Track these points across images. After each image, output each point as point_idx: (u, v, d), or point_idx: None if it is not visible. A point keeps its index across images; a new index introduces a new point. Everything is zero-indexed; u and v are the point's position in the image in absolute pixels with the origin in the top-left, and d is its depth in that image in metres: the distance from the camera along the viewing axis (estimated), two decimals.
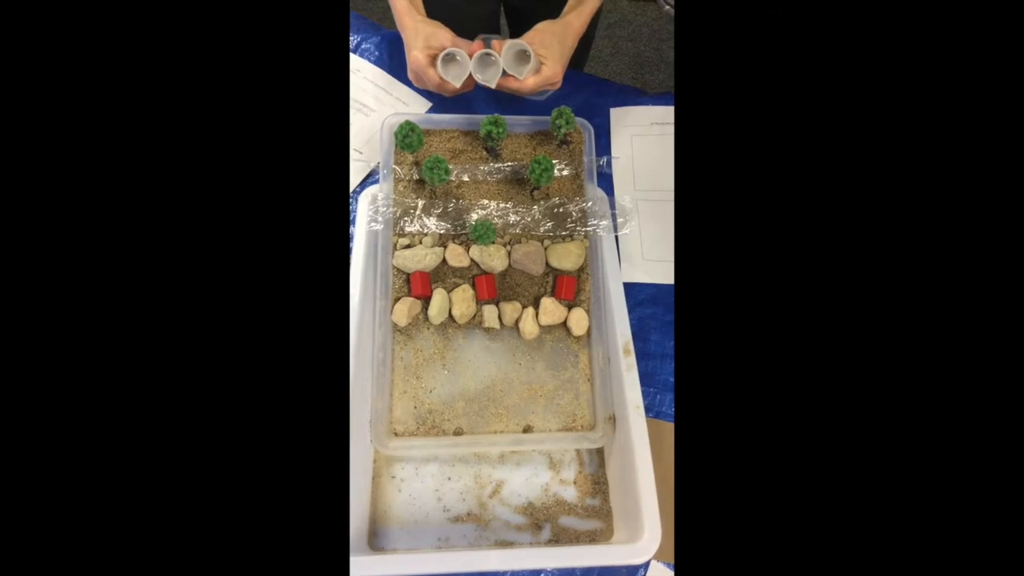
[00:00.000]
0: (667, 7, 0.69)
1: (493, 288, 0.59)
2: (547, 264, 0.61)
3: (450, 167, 0.58)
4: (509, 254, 0.60)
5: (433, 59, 0.62)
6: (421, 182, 0.62)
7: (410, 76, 0.65)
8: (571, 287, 0.60)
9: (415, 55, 0.62)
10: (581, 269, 0.61)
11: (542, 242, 0.61)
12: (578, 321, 0.59)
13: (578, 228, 0.61)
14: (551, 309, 0.59)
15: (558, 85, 0.64)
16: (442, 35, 0.62)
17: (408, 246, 0.59)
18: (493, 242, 0.58)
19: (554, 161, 0.60)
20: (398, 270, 0.59)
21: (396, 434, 0.55)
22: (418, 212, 0.60)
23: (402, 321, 0.57)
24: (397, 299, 0.58)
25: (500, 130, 0.59)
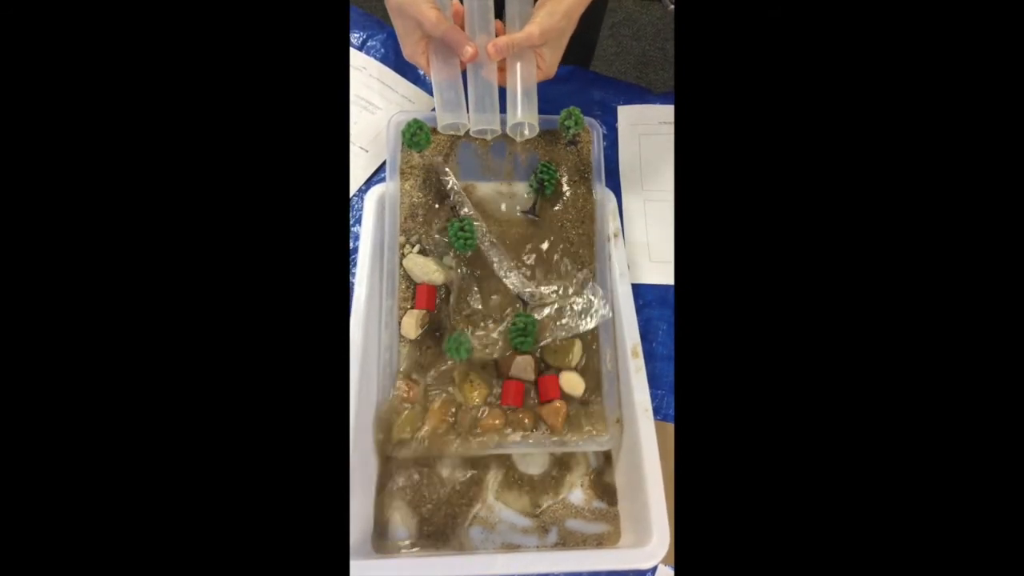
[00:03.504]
0: (671, 6, 0.68)
1: (520, 395, 0.56)
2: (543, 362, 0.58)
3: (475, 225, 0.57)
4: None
5: (426, 49, 0.58)
6: (427, 180, 0.61)
7: (404, 56, 0.60)
8: (519, 393, 0.55)
9: (411, 46, 0.58)
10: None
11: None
12: (574, 386, 0.56)
13: (578, 322, 0.57)
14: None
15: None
16: (431, 18, 0.54)
17: (421, 251, 0.59)
18: (468, 356, 0.54)
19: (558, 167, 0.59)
20: (406, 274, 0.58)
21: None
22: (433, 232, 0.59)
23: (412, 334, 0.56)
24: (403, 312, 0.57)
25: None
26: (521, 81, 0.58)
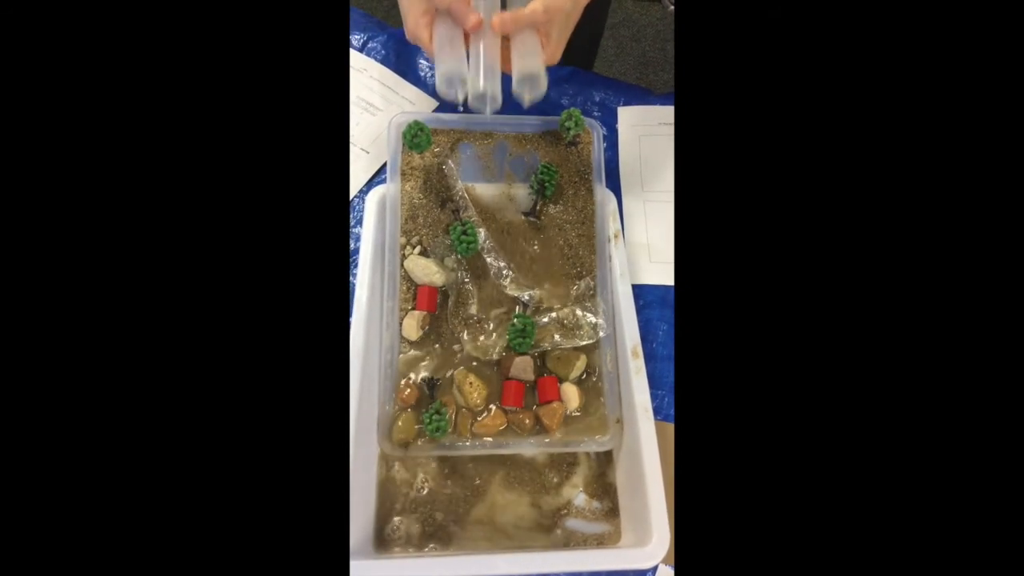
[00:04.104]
0: (671, 7, 0.68)
1: (520, 396, 0.56)
2: (543, 367, 0.58)
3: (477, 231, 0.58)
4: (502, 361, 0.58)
5: (431, 22, 0.57)
6: (428, 182, 0.61)
7: (407, 35, 0.59)
8: (519, 394, 0.55)
9: (414, 19, 0.56)
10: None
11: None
12: (569, 398, 0.56)
13: (579, 335, 0.58)
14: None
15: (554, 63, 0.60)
16: None
17: (422, 253, 0.59)
18: (445, 433, 0.53)
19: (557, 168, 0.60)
20: (407, 275, 0.58)
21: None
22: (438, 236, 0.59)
23: (413, 335, 0.56)
24: (404, 313, 0.57)
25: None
26: (526, 57, 0.56)
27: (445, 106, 0.77)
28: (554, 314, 0.58)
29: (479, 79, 0.57)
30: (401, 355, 0.56)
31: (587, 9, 0.58)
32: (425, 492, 0.56)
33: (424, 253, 0.59)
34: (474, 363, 0.57)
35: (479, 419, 0.55)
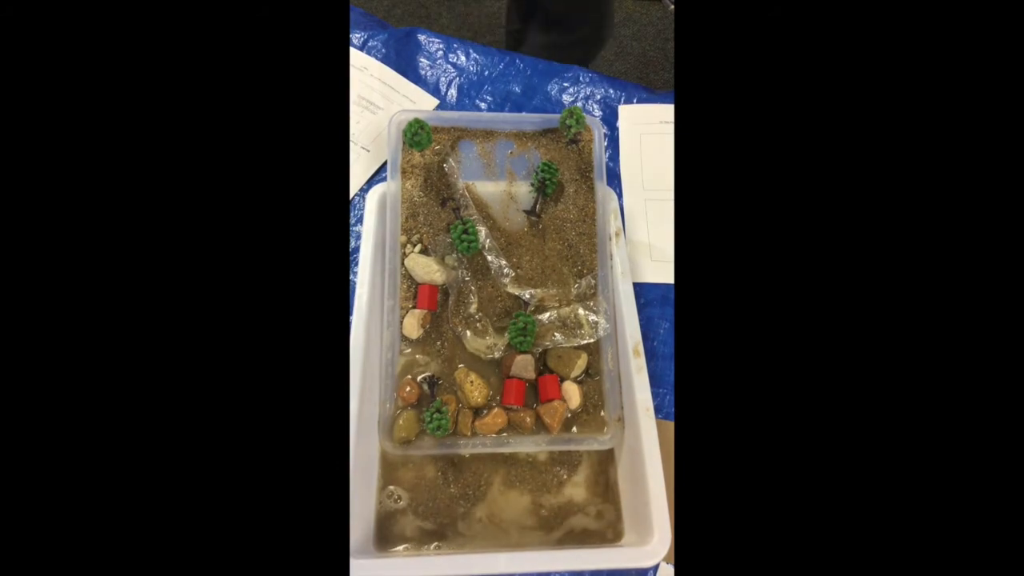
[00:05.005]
0: (671, 6, 0.68)
1: (521, 394, 0.56)
2: (544, 365, 0.58)
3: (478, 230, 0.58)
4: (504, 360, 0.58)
5: None
6: (429, 180, 0.61)
7: None
8: (520, 393, 0.55)
9: None
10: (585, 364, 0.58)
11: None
12: (570, 396, 0.56)
13: (579, 333, 0.58)
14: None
15: None
16: None
17: (423, 251, 0.59)
18: (446, 431, 0.53)
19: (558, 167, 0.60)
20: (407, 273, 0.58)
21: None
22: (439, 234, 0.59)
23: (413, 334, 0.56)
24: (405, 311, 0.57)
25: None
26: None
27: (446, 104, 0.77)
28: (555, 312, 0.58)
29: None
30: (402, 354, 0.56)
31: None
32: (426, 491, 0.56)
33: (425, 251, 0.59)
34: (467, 360, 0.57)
35: (480, 418, 0.55)
